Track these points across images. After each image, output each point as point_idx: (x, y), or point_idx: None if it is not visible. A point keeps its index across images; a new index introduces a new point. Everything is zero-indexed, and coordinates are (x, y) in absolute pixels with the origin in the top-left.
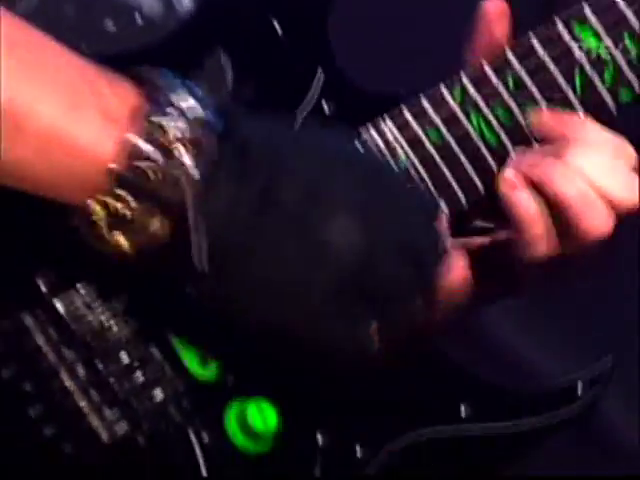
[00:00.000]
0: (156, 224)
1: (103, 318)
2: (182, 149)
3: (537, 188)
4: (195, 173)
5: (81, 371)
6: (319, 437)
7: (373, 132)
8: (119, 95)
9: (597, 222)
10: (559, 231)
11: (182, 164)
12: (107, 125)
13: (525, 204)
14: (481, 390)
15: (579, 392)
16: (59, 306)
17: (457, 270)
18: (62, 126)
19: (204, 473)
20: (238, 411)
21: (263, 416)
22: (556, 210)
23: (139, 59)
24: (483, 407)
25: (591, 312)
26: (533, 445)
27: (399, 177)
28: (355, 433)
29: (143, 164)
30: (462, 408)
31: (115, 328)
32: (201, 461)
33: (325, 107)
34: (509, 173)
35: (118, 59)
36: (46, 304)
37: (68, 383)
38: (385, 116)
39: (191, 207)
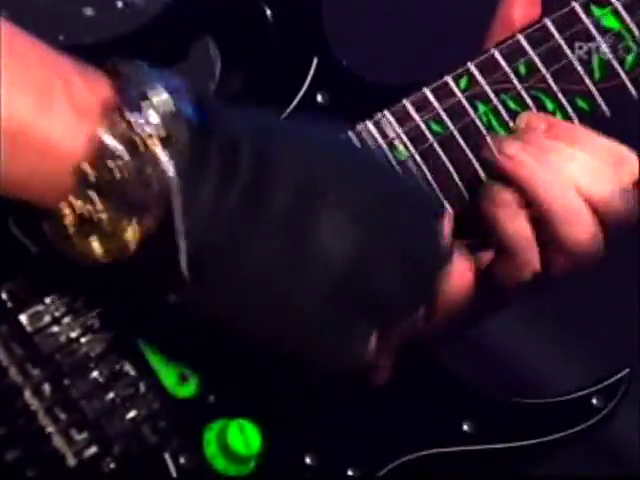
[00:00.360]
0: (128, 228)
1: (72, 333)
2: (155, 146)
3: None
4: (170, 171)
5: (47, 390)
6: (307, 459)
7: (370, 125)
8: (92, 88)
9: (581, 231)
10: (542, 241)
11: (155, 162)
12: (78, 119)
13: (522, 231)
14: (486, 406)
15: (594, 406)
16: (24, 321)
17: (460, 275)
18: (31, 120)
19: None
20: (218, 432)
21: (245, 438)
22: (539, 218)
23: (119, 47)
24: (488, 424)
25: (608, 323)
26: (544, 458)
27: (398, 175)
28: (349, 454)
29: (112, 164)
30: (465, 427)
31: (85, 344)
32: None
33: (319, 98)
34: (507, 196)
35: (97, 47)
36: (10, 319)
37: (33, 403)
38: (384, 109)
39: (169, 206)
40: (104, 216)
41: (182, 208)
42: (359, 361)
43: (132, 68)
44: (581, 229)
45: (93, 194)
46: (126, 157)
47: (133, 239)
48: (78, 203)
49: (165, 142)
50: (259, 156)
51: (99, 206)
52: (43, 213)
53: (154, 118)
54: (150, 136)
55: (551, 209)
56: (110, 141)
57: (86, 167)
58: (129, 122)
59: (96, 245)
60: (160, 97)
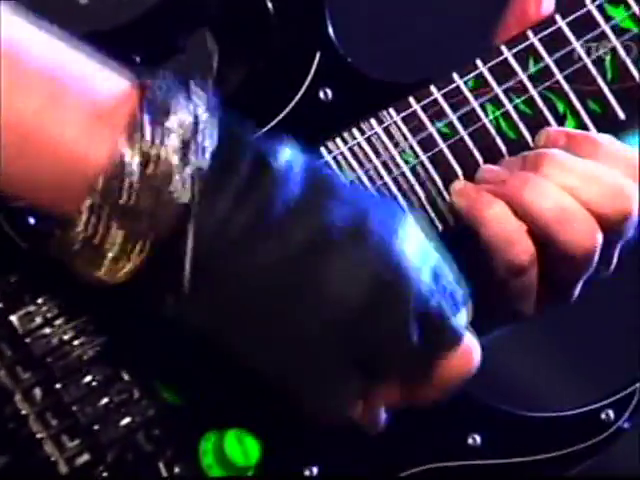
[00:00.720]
0: (135, 250)
1: (64, 336)
2: (172, 168)
3: (509, 207)
4: (186, 191)
5: (38, 394)
6: (307, 472)
7: (376, 125)
8: (114, 95)
9: (578, 236)
10: (540, 249)
11: (170, 185)
12: (95, 123)
13: (501, 220)
14: (490, 420)
15: (605, 420)
16: (15, 322)
17: (464, 359)
18: (43, 121)
19: None
20: (215, 441)
21: (243, 448)
22: (532, 226)
23: (115, 38)
24: (493, 439)
25: (617, 336)
26: (557, 474)
27: (435, 244)
28: (351, 468)
29: (126, 182)
30: (470, 440)
31: (78, 347)
32: None
33: (322, 94)
34: (468, 186)
35: (92, 37)
36: (1, 319)
37: (23, 407)
38: (390, 107)
39: (179, 226)
40: (112, 237)
41: (190, 226)
42: (341, 411)
43: (159, 82)
44: (579, 234)
45: (103, 213)
46: (140, 176)
47: (139, 260)
48: (88, 220)
49: (182, 164)
50: (281, 186)
51: (108, 226)
52: (52, 228)
53: (174, 139)
54: (166, 158)
55: (544, 218)
56: (128, 157)
57: (98, 184)
58: (148, 140)
59: (102, 266)
60: (183, 117)
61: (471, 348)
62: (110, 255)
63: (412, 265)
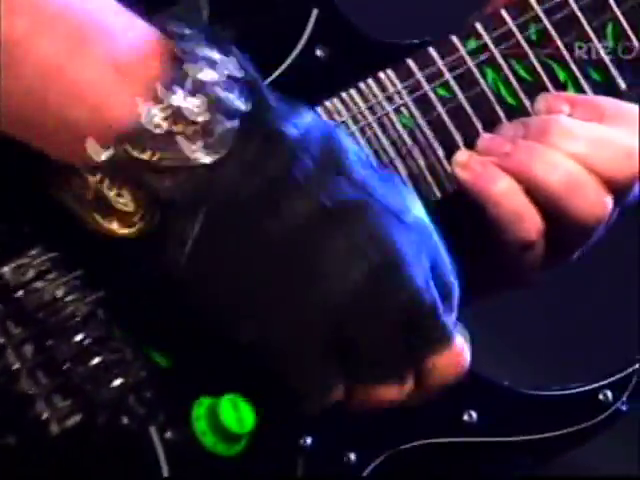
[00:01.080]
0: (139, 212)
1: (57, 291)
2: (190, 134)
3: (517, 180)
4: (199, 161)
5: (29, 351)
6: (304, 440)
7: (374, 86)
8: (140, 54)
9: (590, 205)
10: (548, 220)
11: (185, 152)
12: (119, 79)
13: (509, 195)
14: (488, 396)
15: (605, 401)
16: (7, 274)
17: (453, 358)
18: (61, 63)
19: (165, 475)
20: (209, 407)
21: (238, 415)
22: (542, 199)
23: None
24: (489, 415)
25: (618, 318)
26: (553, 455)
27: (435, 243)
28: (346, 439)
29: (151, 137)
30: (465, 417)
31: (70, 303)
32: (162, 461)
33: (319, 52)
34: (473, 159)
35: None
36: None
37: (14, 364)
38: (388, 69)
39: (186, 196)
40: (128, 192)
41: (197, 199)
42: (318, 396)
43: (186, 33)
44: (589, 203)
45: (122, 167)
46: (165, 132)
47: (145, 222)
48: (104, 172)
49: (202, 131)
50: (296, 157)
51: (126, 180)
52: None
53: (199, 102)
54: (194, 115)
55: (554, 191)
56: (153, 112)
57: (120, 136)
58: (169, 105)
59: (104, 222)
60: (211, 77)
61: (462, 349)
62: (123, 210)
63: (411, 259)
